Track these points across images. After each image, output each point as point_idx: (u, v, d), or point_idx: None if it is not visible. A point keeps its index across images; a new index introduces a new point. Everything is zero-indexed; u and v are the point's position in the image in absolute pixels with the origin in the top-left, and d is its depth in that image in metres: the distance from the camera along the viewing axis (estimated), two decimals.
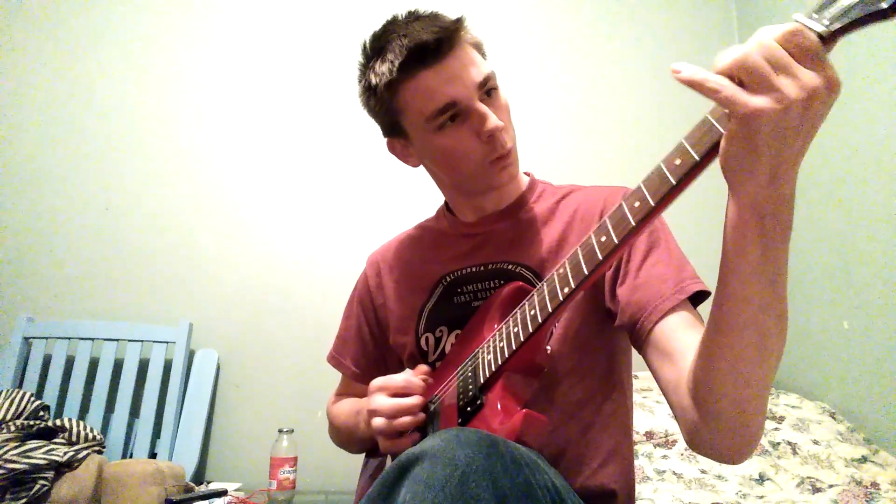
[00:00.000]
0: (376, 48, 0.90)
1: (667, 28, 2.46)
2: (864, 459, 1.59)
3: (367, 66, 0.91)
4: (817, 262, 1.96)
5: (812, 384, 1.96)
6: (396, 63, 0.85)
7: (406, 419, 0.79)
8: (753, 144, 0.50)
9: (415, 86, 0.86)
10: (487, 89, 0.87)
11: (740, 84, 0.49)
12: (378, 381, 0.84)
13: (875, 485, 1.50)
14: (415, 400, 0.80)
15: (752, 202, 0.54)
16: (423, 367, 0.88)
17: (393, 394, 0.81)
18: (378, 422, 0.79)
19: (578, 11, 2.47)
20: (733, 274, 0.58)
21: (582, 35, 2.46)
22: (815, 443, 1.67)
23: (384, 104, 0.90)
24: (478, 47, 0.91)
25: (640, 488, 1.59)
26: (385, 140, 0.99)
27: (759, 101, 0.47)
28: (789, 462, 1.63)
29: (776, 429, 1.75)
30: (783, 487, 1.56)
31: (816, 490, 1.52)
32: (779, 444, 1.70)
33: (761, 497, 1.53)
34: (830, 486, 1.52)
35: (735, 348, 0.60)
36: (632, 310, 0.80)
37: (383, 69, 0.87)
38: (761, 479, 1.60)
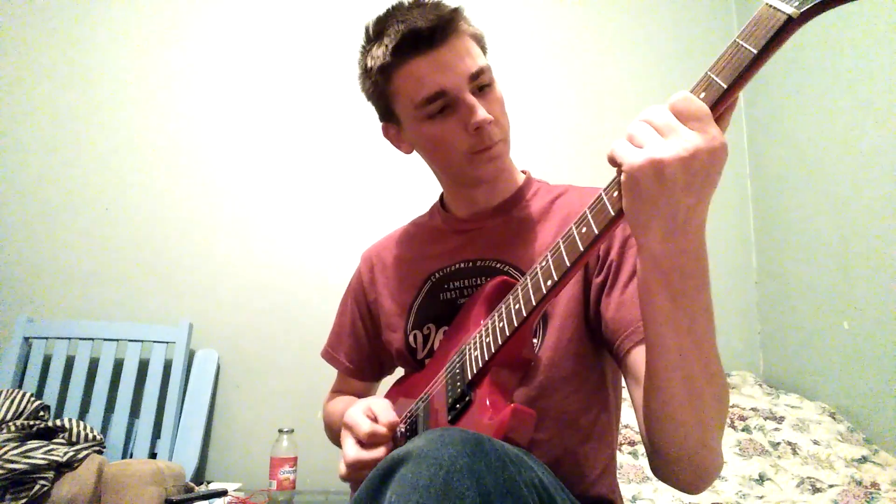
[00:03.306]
0: (377, 31, 0.90)
1: (667, 27, 2.45)
2: (864, 459, 1.58)
3: (366, 50, 0.92)
4: (817, 262, 1.96)
5: (812, 384, 1.95)
6: (390, 47, 0.85)
7: (365, 473, 0.78)
8: (639, 198, 0.53)
9: (406, 72, 0.86)
10: (480, 83, 0.87)
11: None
12: (350, 417, 0.81)
13: (875, 485, 1.49)
14: (377, 455, 0.77)
15: (651, 257, 0.56)
16: (394, 419, 0.80)
17: (358, 440, 0.79)
18: (341, 468, 0.80)
19: (579, 11, 2.46)
20: (648, 324, 0.60)
21: (582, 34, 2.45)
22: (815, 443, 1.66)
23: (378, 88, 0.91)
24: (477, 39, 0.91)
25: (639, 488, 1.59)
26: (381, 125, 1.00)
27: (636, 155, 0.52)
28: (789, 462, 1.63)
29: (776, 429, 1.74)
30: (783, 487, 1.56)
31: (816, 490, 1.51)
32: (779, 444, 1.69)
33: (761, 497, 1.53)
34: (830, 486, 1.51)
35: (663, 391, 0.62)
36: (613, 326, 0.79)
37: (378, 53, 0.87)
38: (761, 479, 1.59)
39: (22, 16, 2.28)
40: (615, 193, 0.58)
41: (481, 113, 0.84)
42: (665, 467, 0.68)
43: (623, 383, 0.94)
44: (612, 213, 0.58)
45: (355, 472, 0.78)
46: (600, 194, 0.61)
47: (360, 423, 0.79)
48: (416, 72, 0.85)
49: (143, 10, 2.32)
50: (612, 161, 0.56)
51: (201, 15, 2.34)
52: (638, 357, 0.74)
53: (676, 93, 0.52)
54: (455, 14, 0.86)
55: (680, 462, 0.65)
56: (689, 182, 0.51)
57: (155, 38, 2.32)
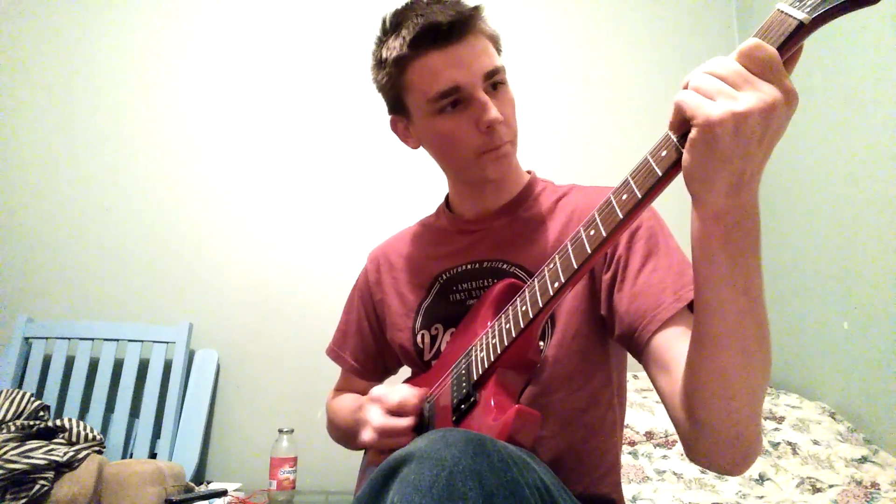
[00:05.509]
0: (394, 23, 0.90)
1: (668, 28, 2.46)
2: (864, 459, 1.58)
3: (382, 41, 0.92)
4: (817, 262, 1.96)
5: (812, 384, 1.95)
6: (407, 39, 0.85)
7: (392, 441, 0.78)
8: (713, 154, 0.50)
9: (422, 65, 0.86)
10: (494, 82, 0.87)
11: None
12: (377, 392, 0.83)
13: (875, 485, 1.49)
14: (406, 422, 0.78)
15: (714, 213, 0.54)
16: (423, 391, 0.84)
17: (387, 409, 0.80)
18: (367, 436, 0.80)
19: (581, 12, 2.47)
20: (705, 285, 0.58)
21: (584, 36, 2.46)
22: (815, 443, 1.66)
23: (391, 79, 0.91)
24: (494, 41, 0.91)
25: (640, 488, 1.59)
26: (389, 118, 0.99)
27: (718, 109, 0.49)
28: (789, 462, 1.63)
29: (776, 429, 1.74)
30: (783, 487, 1.56)
31: (816, 490, 1.51)
32: (779, 444, 1.69)
33: (761, 497, 1.53)
34: (830, 486, 1.51)
35: (718, 359, 0.59)
36: (630, 318, 0.78)
37: (395, 44, 0.87)
38: (761, 479, 1.59)
39: (23, 17, 2.27)
40: (624, 197, 0.58)
41: (493, 112, 0.83)
42: (710, 448, 0.65)
43: (627, 385, 0.94)
44: (621, 217, 0.58)
45: (383, 437, 0.78)
46: (609, 197, 0.61)
47: (389, 394, 0.81)
48: (431, 65, 0.85)
49: (143, 12, 2.32)
50: (680, 115, 0.52)
51: (201, 15, 2.34)
52: (661, 341, 0.73)
53: (747, 40, 0.50)
54: (475, 12, 0.87)
55: (729, 439, 0.63)
56: (763, 136, 0.49)
57: (157, 41, 2.32)
